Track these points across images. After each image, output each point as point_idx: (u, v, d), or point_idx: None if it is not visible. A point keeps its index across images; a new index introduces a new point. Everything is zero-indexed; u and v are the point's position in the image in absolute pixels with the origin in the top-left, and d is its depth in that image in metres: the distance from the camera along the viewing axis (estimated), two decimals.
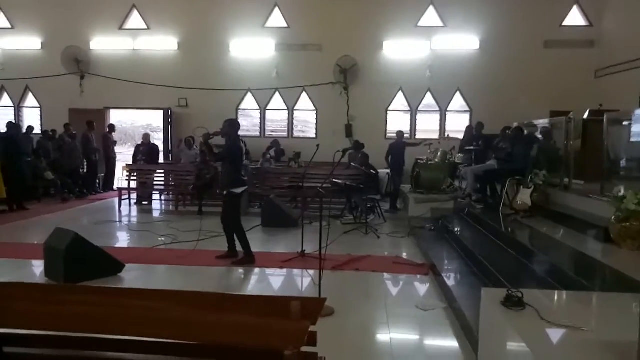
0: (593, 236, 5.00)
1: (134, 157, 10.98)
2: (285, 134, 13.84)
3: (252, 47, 13.40)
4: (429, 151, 9.85)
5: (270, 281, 5.31)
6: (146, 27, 13.73)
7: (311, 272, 5.31)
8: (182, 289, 5.01)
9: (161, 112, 13.72)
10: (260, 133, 13.93)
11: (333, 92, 13.26)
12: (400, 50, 13.11)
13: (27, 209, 9.70)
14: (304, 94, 13.56)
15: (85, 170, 12.41)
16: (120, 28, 13.79)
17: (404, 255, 6.41)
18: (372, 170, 9.24)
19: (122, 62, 13.80)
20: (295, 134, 13.89)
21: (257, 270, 5.67)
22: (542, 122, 9.19)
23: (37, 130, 13.22)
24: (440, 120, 13.41)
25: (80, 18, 13.73)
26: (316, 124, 13.67)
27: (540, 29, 12.71)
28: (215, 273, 5.60)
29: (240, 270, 5.68)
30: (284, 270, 5.66)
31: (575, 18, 12.79)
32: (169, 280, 5.40)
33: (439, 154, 9.43)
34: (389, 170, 9.96)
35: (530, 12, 12.64)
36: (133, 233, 7.69)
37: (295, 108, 13.76)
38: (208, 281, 5.33)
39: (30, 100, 14.49)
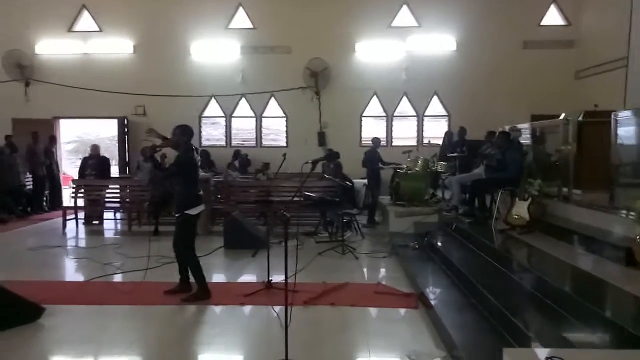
0: (611, 258, 4.24)
1: (81, 171, 9.80)
2: (253, 143, 12.88)
3: (215, 49, 12.43)
4: (408, 159, 9.06)
5: (227, 324, 4.33)
6: (98, 29, 12.59)
7: (278, 309, 4.36)
8: (114, 338, 4.03)
9: (115, 121, 12.54)
10: (226, 142, 12.92)
11: (304, 97, 12.39)
12: (374, 52, 12.36)
13: None
14: (272, 100, 12.64)
15: (31, 187, 11.16)
16: (69, 30, 12.61)
17: (387, 281, 5.53)
18: (347, 182, 8.37)
19: (72, 67, 12.59)
20: (265, 142, 12.94)
21: (212, 308, 4.67)
22: (530, 126, 8.54)
23: None
24: (418, 126, 12.68)
25: (24, 19, 12.48)
26: (286, 131, 12.76)
27: (518, 28, 12.20)
28: (160, 314, 4.58)
29: (192, 310, 4.68)
30: (246, 308, 4.68)
31: (553, 17, 12.32)
32: (100, 326, 4.34)
33: (420, 162, 8.64)
34: (365, 181, 9.12)
35: (507, 11, 12.11)
36: (70, 262, 6.58)
37: (263, 115, 12.82)
38: (149, 327, 4.32)
39: None
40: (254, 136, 12.91)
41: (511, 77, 12.02)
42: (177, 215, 4.88)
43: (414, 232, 7.44)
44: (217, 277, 5.86)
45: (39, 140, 11.16)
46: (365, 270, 6.27)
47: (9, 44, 12.41)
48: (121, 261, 6.46)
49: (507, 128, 7.62)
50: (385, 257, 6.67)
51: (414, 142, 12.28)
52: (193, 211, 4.82)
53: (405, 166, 8.82)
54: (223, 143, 12.92)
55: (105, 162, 10.01)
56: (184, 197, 4.83)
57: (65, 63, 12.64)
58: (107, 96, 12.27)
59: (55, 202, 11.42)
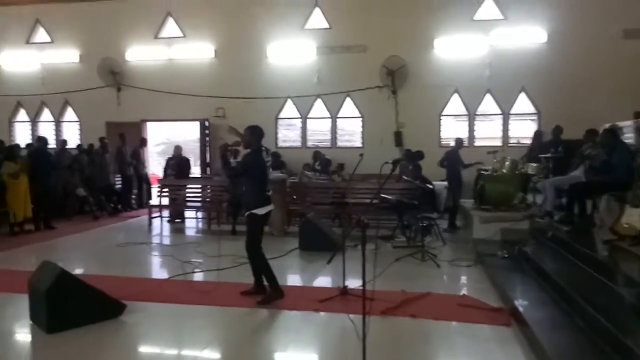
0: None
1: (165, 171, 10.22)
2: (328, 143, 12.75)
3: (292, 51, 12.46)
4: (494, 160, 8.43)
5: (301, 330, 4.16)
6: (182, 35, 13.12)
7: (354, 317, 4.12)
8: (191, 338, 4.00)
9: (197, 123, 12.98)
10: (301, 143, 12.92)
11: (380, 96, 12.05)
12: (455, 47, 11.74)
13: (54, 227, 9.11)
14: (347, 100, 12.44)
15: (120, 186, 11.86)
16: (156, 37, 13.26)
17: (472, 293, 5.09)
18: (427, 185, 7.94)
19: (157, 73, 13.24)
20: (340, 143, 12.77)
21: (286, 313, 4.53)
22: (634, 124, 7.60)
23: (74, 144, 12.80)
24: (503, 125, 11.86)
25: (116, 28, 13.33)
26: (362, 132, 12.50)
27: (618, 16, 10.99)
28: (235, 316, 4.52)
29: (267, 313, 4.57)
30: (320, 315, 4.48)
31: None
32: (177, 325, 4.36)
33: (507, 163, 7.99)
34: (446, 183, 8.62)
35: None
36: (153, 259, 6.79)
37: (338, 115, 12.66)
38: (225, 329, 4.27)
39: (70, 114, 14.22)
40: (329, 137, 12.78)
41: (611, 70, 10.86)
42: (246, 215, 4.83)
43: (500, 238, 6.86)
44: (292, 280, 5.75)
45: (126, 142, 11.81)
46: (447, 279, 5.84)
47: (103, 52, 13.30)
48: (200, 260, 6.56)
49: (606, 126, 6.82)
50: (470, 266, 6.19)
51: (497, 143, 11.51)
52: (260, 211, 4.74)
53: (490, 167, 8.21)
54: (298, 144, 12.92)
55: (185, 163, 10.34)
56: (252, 197, 4.78)
57: (151, 69, 13.31)
58: (190, 99, 12.73)
59: (144, 200, 12.04)
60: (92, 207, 10.58)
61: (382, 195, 7.47)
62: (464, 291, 5.21)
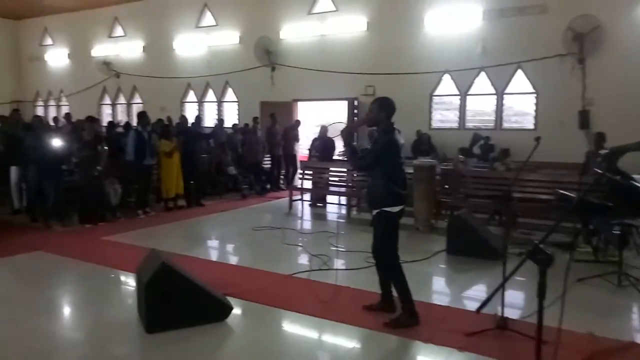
0: None
1: (309, 152, 9.77)
2: (491, 125, 10.98)
3: (453, 18, 10.90)
4: None
5: None
6: (334, 9, 12.50)
7: None
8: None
9: (345, 102, 12.31)
10: (459, 124, 11.38)
11: (561, 67, 9.84)
12: None
13: (202, 205, 9.37)
14: (518, 73, 10.47)
15: (270, 165, 11.91)
16: (309, 12, 12.87)
17: None
18: (633, 182, 5.95)
19: (309, 50, 12.92)
20: (506, 124, 10.90)
21: (419, 346, 3.46)
22: None
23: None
24: None
25: (273, 6, 13.33)
26: (535, 110, 10.44)
27: None
28: (352, 338, 3.63)
29: (394, 341, 3.56)
30: (465, 357, 3.32)
31: None
32: (286, 338, 3.66)
33: None
34: None
35: None
36: (282, 248, 6.28)
37: (505, 91, 10.76)
38: (339, 353, 3.41)
39: (230, 94, 14.85)
40: (493, 117, 10.99)
41: None
42: (373, 213, 3.83)
43: None
44: (432, 296, 4.62)
45: (277, 122, 11.72)
46: None
47: (260, 31, 13.44)
48: (331, 255, 5.84)
49: None
50: None
51: None
52: (392, 208, 3.70)
53: None
54: (455, 125, 11.42)
55: (329, 144, 9.75)
56: (382, 189, 3.73)
57: (304, 46, 13.03)
58: (339, 77, 12.15)
59: (291, 181, 11.90)
60: (241, 185, 10.74)
61: (560, 191, 5.82)
62: None
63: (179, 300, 3.55)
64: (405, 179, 3.88)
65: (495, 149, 9.59)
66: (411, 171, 7.35)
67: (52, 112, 17.74)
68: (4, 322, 3.94)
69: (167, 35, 15.38)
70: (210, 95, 15.19)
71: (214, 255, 6.21)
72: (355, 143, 4.08)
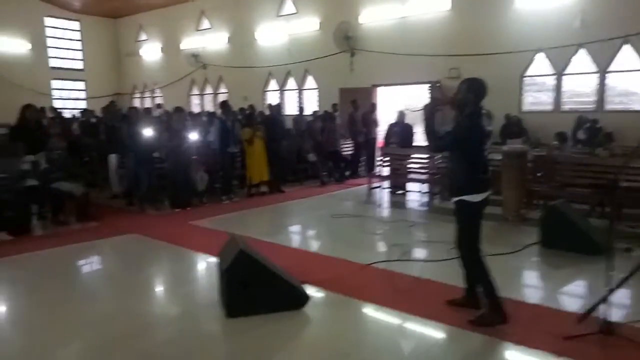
0: None
1: (386, 138, 9.52)
2: (592, 106, 9.98)
3: None
4: None
5: None
6: None
7: None
8: (372, 355, 2.97)
9: (427, 86, 11.83)
10: (553, 106, 10.49)
11: None
12: None
13: (283, 191, 9.53)
14: (625, 48, 9.38)
15: (349, 152, 11.83)
16: None
17: None
18: None
19: (389, 34, 12.55)
20: (609, 106, 9.85)
21: (508, 347, 3.20)
22: None
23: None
24: None
25: None
26: None
27: None
28: (434, 335, 3.45)
29: (478, 340, 3.33)
30: None
31: None
32: (362, 332, 3.55)
33: None
34: None
35: None
36: (361, 237, 6.17)
37: (608, 69, 9.71)
38: (420, 351, 3.24)
39: (310, 82, 14.91)
40: (594, 98, 9.97)
41: None
42: (453, 201, 3.59)
43: None
44: (524, 292, 4.27)
45: (359, 108, 11.57)
46: None
47: (340, 17, 13.28)
48: (411, 244, 5.65)
49: None
50: None
51: None
52: (475, 197, 3.43)
53: None
54: (549, 107, 10.53)
55: (408, 130, 9.43)
56: (463, 177, 3.49)
57: (383, 30, 12.69)
58: (421, 60, 11.70)
59: (371, 168, 11.74)
60: (320, 172, 10.77)
61: None
62: None
63: (256, 287, 3.59)
64: (487, 165, 3.63)
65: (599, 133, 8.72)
66: (499, 157, 6.89)
67: (147, 103, 18.99)
68: (105, 300, 4.25)
69: (250, 25, 15.75)
70: (291, 83, 15.36)
71: (292, 242, 6.26)
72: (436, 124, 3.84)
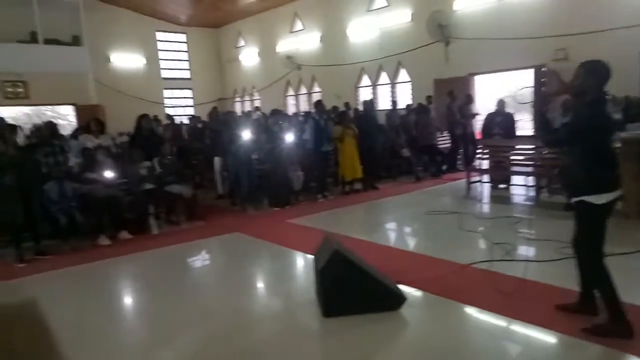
0: None
1: (485, 129, 8.96)
2: None
3: None
4: None
5: None
6: None
7: None
8: None
9: (531, 71, 10.98)
10: None
11: None
12: None
13: (376, 188, 9.47)
14: None
15: (446, 146, 11.43)
16: None
17: None
18: None
19: (485, 19, 11.88)
20: None
21: None
22: None
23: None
24: None
25: None
26: None
27: None
28: (543, 344, 3.19)
29: (596, 352, 3.01)
30: None
31: None
32: (462, 335, 3.40)
33: None
34: None
35: None
36: (459, 235, 5.91)
37: None
38: None
39: (403, 75, 14.63)
40: None
41: None
42: (572, 201, 3.25)
43: None
44: None
45: (456, 99, 11.11)
46: None
47: (433, 5, 12.83)
48: (516, 242, 5.30)
49: None
50: None
51: None
52: (599, 198, 3.08)
53: None
54: None
55: (510, 119, 8.83)
56: (583, 172, 3.13)
57: (479, 15, 12.04)
58: (522, 44, 10.91)
59: (469, 161, 11.23)
60: (415, 167, 10.53)
61: None
62: None
63: (351, 287, 3.60)
64: (615, 159, 3.20)
65: None
66: (618, 145, 6.19)
67: (247, 107, 19.97)
68: (211, 297, 4.55)
69: (341, 23, 15.83)
70: (384, 78, 15.19)
71: (387, 240, 6.18)
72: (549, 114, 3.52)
